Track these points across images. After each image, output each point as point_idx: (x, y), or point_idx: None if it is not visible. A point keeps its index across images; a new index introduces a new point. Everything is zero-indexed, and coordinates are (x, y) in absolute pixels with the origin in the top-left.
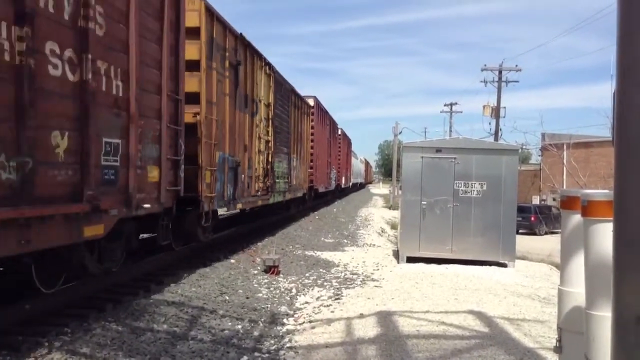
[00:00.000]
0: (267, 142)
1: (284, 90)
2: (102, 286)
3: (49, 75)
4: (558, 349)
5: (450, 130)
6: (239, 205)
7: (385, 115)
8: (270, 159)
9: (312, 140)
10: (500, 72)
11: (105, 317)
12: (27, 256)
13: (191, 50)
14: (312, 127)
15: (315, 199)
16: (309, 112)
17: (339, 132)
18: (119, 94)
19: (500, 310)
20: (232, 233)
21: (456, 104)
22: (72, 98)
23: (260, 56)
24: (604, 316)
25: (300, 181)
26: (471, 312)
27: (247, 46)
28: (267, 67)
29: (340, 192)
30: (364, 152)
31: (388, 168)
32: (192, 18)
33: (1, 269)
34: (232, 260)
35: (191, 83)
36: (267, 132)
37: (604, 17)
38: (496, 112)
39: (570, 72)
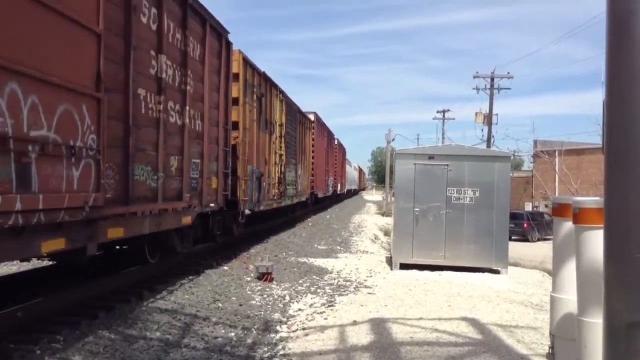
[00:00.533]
0: (281, 155)
1: (292, 111)
2: (94, 293)
3: (170, 122)
4: (550, 356)
5: (443, 137)
6: (262, 207)
7: (379, 121)
8: (282, 169)
9: (313, 151)
10: (492, 79)
11: (97, 325)
12: (143, 237)
13: (233, 91)
14: (313, 140)
15: (315, 204)
16: (311, 127)
17: (335, 142)
18: (199, 129)
19: (494, 317)
20: (227, 239)
21: (449, 110)
22: (178, 135)
23: (276, 87)
24: (596, 323)
25: (304, 187)
26: (464, 318)
27: (267, 80)
28: (281, 95)
29: (336, 198)
30: (357, 159)
31: (381, 175)
32: (234, 66)
33: (125, 247)
34: (225, 267)
35: (233, 115)
36: (281, 147)
37: (596, 24)
38: (488, 119)
39: (562, 79)
